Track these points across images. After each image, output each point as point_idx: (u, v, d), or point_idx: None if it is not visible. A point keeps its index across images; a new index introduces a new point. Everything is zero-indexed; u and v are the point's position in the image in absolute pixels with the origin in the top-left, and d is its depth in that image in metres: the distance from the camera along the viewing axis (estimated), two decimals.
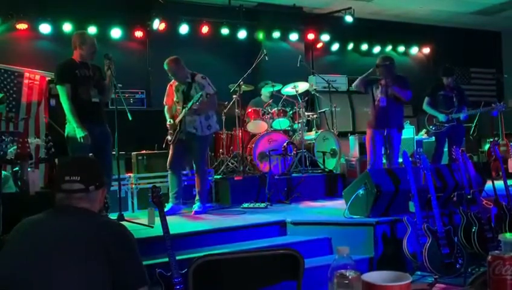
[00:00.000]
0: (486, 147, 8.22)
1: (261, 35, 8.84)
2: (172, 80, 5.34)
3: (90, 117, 4.51)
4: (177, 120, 5.18)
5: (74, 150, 4.44)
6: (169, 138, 5.30)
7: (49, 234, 1.86)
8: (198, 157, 5.27)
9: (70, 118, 4.44)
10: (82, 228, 1.90)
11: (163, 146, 5.63)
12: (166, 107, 5.38)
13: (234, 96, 6.69)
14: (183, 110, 5.11)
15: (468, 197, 4.35)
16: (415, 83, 9.85)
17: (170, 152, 5.34)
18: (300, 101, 7.10)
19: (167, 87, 5.41)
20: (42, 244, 1.84)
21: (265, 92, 7.46)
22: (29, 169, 4.12)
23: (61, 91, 4.45)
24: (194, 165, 5.34)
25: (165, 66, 5.20)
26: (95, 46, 4.65)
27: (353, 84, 6.13)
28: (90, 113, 4.51)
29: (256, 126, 6.91)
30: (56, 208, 1.99)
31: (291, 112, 7.13)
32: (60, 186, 1.96)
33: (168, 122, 5.27)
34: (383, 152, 5.82)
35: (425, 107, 6.69)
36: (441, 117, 6.43)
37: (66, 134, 4.55)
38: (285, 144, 6.52)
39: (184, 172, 5.86)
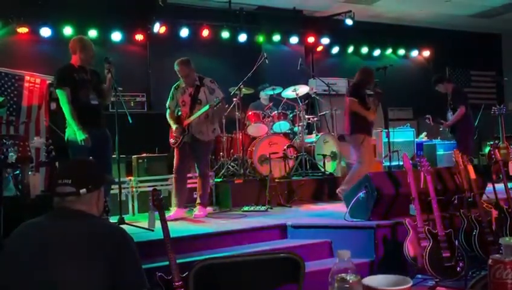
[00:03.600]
0: (487, 149, 8.21)
1: (261, 39, 8.85)
2: (178, 83, 5.31)
3: (90, 120, 4.52)
4: (186, 122, 5.14)
5: (74, 153, 4.45)
6: (172, 140, 5.25)
7: (48, 237, 1.87)
8: (202, 161, 5.27)
9: (70, 121, 4.46)
10: (81, 231, 1.90)
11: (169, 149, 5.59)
12: (169, 111, 5.34)
13: (234, 99, 6.69)
14: (196, 113, 5.09)
15: (469, 200, 4.34)
16: (415, 86, 9.93)
17: (176, 156, 5.28)
18: (301, 104, 7.11)
19: (172, 90, 5.36)
20: (41, 247, 1.84)
21: (263, 95, 7.48)
22: (29, 172, 4.13)
23: (61, 95, 4.47)
24: (198, 169, 5.32)
25: (176, 67, 5.15)
26: (93, 50, 4.67)
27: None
28: (89, 116, 4.52)
29: (256, 129, 6.91)
30: (54, 211, 2.00)
31: (291, 115, 7.15)
32: (55, 189, 1.98)
33: (174, 128, 5.19)
34: None
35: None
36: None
37: (66, 137, 4.57)
38: (285, 147, 6.53)
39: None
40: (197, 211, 5.23)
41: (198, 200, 5.31)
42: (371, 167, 5.71)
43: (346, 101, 5.79)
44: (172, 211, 5.18)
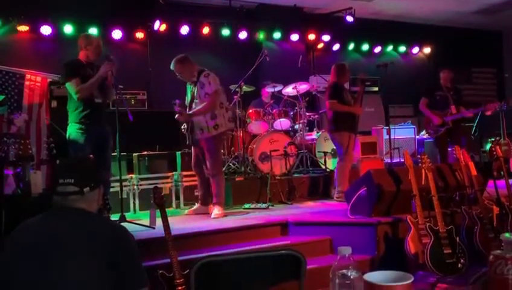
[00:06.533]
0: (488, 146, 8.20)
1: (261, 36, 8.84)
2: None
3: (92, 117, 4.52)
4: (181, 120, 5.13)
5: (75, 151, 4.46)
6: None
7: (48, 236, 1.87)
8: (208, 158, 5.09)
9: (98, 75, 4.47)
10: (81, 229, 1.90)
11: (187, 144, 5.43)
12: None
13: (235, 97, 6.69)
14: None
15: (470, 196, 4.34)
16: (416, 83, 9.92)
17: (192, 154, 5.34)
18: (301, 101, 7.11)
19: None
20: (41, 246, 1.84)
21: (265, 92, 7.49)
22: (30, 170, 4.13)
23: (71, 87, 4.46)
24: (208, 168, 5.15)
25: (171, 66, 5.10)
26: (101, 47, 4.70)
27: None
28: (92, 113, 4.53)
29: (257, 127, 6.91)
30: (54, 209, 1.99)
31: (292, 113, 7.15)
32: (55, 188, 1.98)
33: (182, 127, 5.22)
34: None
35: (421, 107, 6.62)
36: (435, 120, 6.40)
37: (67, 135, 4.57)
38: (286, 144, 6.53)
39: (184, 173, 5.90)
40: (216, 211, 5.04)
41: (214, 200, 5.16)
42: (351, 161, 5.90)
43: (326, 104, 5.82)
44: (195, 206, 5.38)
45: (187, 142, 5.22)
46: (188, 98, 5.21)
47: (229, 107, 5.29)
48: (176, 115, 5.08)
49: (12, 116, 5.60)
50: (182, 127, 5.23)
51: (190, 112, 5.03)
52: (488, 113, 6.55)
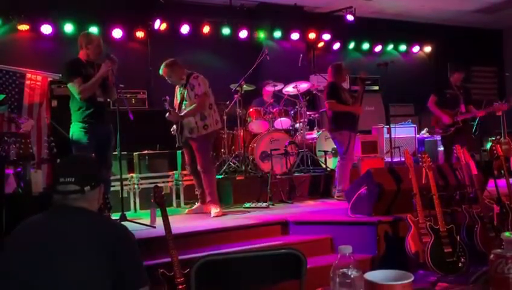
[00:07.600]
0: (489, 145, 8.19)
1: (262, 35, 8.84)
2: None
3: (95, 116, 4.52)
4: (171, 120, 5.18)
5: (78, 150, 4.46)
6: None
7: (49, 235, 1.87)
8: (199, 158, 5.15)
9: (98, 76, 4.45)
10: (81, 228, 1.90)
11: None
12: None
13: (236, 96, 6.69)
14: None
15: (471, 195, 4.34)
16: (416, 82, 9.91)
17: (185, 154, 5.39)
18: (302, 100, 7.11)
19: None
20: (42, 245, 1.84)
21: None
22: (31, 170, 4.14)
23: (73, 88, 4.45)
24: (198, 166, 5.20)
25: (160, 71, 5.20)
26: (101, 46, 4.68)
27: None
28: (95, 112, 4.53)
29: (257, 126, 6.91)
30: (54, 208, 1.99)
31: (292, 112, 7.15)
32: (55, 187, 1.97)
33: (171, 129, 5.26)
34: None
35: (430, 105, 6.50)
36: (445, 119, 6.33)
37: (70, 134, 4.56)
38: (286, 143, 6.53)
39: (185, 172, 5.90)
40: (214, 209, 5.07)
41: (208, 198, 5.19)
42: (352, 160, 5.93)
43: (325, 105, 5.85)
44: (195, 205, 5.43)
45: (177, 143, 5.27)
46: (178, 100, 5.26)
47: (216, 109, 5.31)
48: (166, 114, 5.09)
49: (13, 116, 5.60)
50: (172, 128, 5.26)
51: (181, 114, 5.08)
52: (499, 113, 6.54)
